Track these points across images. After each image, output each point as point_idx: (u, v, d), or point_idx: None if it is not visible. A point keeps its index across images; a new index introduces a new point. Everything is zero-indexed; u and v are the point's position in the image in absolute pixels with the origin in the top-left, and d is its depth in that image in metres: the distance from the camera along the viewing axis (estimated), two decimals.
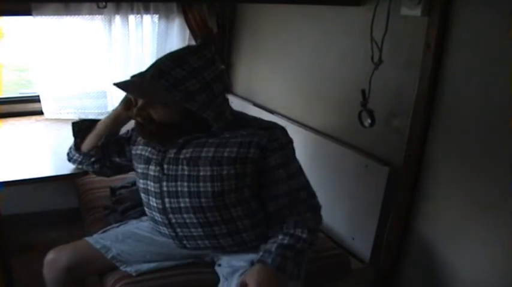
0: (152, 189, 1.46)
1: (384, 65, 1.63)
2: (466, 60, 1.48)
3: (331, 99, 2.09)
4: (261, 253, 1.34)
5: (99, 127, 1.65)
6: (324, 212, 2.06)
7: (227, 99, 1.44)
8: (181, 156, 1.41)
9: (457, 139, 1.54)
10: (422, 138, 1.62)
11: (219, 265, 1.52)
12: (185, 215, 1.42)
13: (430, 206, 1.65)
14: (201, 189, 1.38)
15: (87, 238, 1.58)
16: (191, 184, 1.38)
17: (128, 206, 1.86)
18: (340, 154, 1.97)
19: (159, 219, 1.48)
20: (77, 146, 1.66)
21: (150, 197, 1.48)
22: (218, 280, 1.49)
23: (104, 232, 1.63)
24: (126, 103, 1.60)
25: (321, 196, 2.06)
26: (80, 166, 1.72)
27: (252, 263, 1.38)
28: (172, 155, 1.42)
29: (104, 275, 1.55)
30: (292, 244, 1.34)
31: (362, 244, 1.87)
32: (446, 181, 1.59)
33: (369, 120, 1.70)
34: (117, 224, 1.69)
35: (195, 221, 1.41)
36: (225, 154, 1.36)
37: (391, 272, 1.81)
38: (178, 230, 1.46)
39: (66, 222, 2.55)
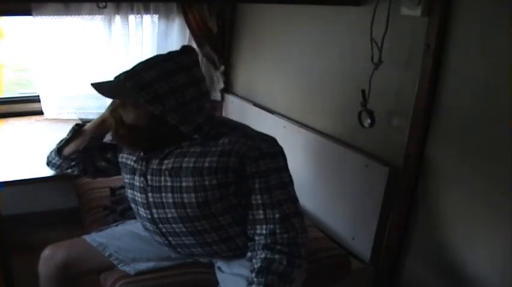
0: (139, 199, 1.44)
1: (384, 65, 1.63)
2: (466, 60, 1.48)
3: (331, 99, 2.09)
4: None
5: (84, 132, 1.59)
6: (324, 212, 2.07)
7: (205, 108, 1.38)
8: (163, 167, 1.38)
9: (457, 139, 1.54)
10: (422, 138, 1.62)
11: (219, 268, 1.52)
12: (174, 225, 1.40)
13: (430, 206, 1.65)
14: (185, 200, 1.35)
15: (84, 236, 1.59)
16: (175, 195, 1.36)
17: (127, 206, 1.86)
18: (340, 154, 1.97)
19: (151, 228, 1.47)
20: (59, 150, 1.59)
21: (139, 207, 1.47)
22: (217, 281, 1.49)
23: (101, 230, 1.63)
24: (113, 108, 1.49)
25: (321, 196, 2.08)
26: (58, 170, 1.64)
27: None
28: (155, 166, 1.39)
29: (101, 274, 1.55)
30: (266, 266, 1.28)
31: (362, 244, 1.87)
32: (446, 181, 1.59)
33: (369, 121, 1.70)
34: (115, 224, 1.70)
35: (184, 230, 1.40)
36: (206, 164, 1.32)
37: (391, 272, 1.81)
38: (170, 238, 1.45)
39: (66, 222, 2.55)
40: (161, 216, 1.41)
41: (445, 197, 1.59)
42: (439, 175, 1.60)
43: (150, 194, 1.40)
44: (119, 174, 1.64)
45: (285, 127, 2.26)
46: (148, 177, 1.40)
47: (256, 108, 2.55)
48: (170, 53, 1.38)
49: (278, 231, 1.31)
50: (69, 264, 1.49)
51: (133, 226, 1.64)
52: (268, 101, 2.55)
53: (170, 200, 1.37)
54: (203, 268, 1.56)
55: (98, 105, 2.82)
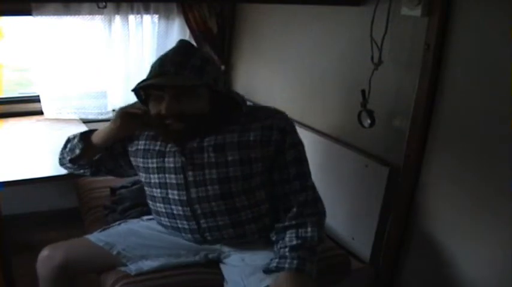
0: (174, 181, 1.45)
1: (384, 65, 1.63)
2: (466, 60, 1.48)
3: (331, 99, 2.09)
4: (276, 260, 1.36)
5: (94, 142, 1.54)
6: None
7: None
8: (205, 144, 1.42)
9: (457, 139, 1.54)
10: (422, 138, 1.62)
11: (225, 264, 1.52)
12: (213, 203, 1.42)
13: (430, 206, 1.65)
14: (231, 174, 1.40)
15: (87, 236, 1.58)
16: (220, 170, 1.40)
17: (127, 206, 1.86)
18: (340, 154, 1.97)
19: (180, 212, 1.47)
20: (73, 160, 1.57)
21: (170, 191, 1.46)
22: (219, 280, 1.49)
23: (103, 230, 1.62)
24: (124, 118, 1.47)
25: (321, 196, 2.07)
26: (70, 171, 1.66)
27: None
28: (195, 145, 1.42)
29: (101, 274, 1.55)
30: (301, 243, 1.36)
31: (362, 244, 1.87)
32: (446, 181, 1.59)
33: (369, 121, 1.70)
34: (117, 223, 1.68)
35: (223, 208, 1.42)
36: (251, 138, 1.40)
37: (391, 272, 1.81)
38: (202, 221, 1.46)
39: (66, 222, 2.54)
40: (201, 195, 1.42)
41: (445, 197, 1.59)
42: (439, 175, 1.60)
43: (190, 173, 1.42)
44: (129, 173, 1.64)
45: None
46: (189, 156, 1.42)
47: None
48: (182, 41, 1.45)
49: (310, 199, 1.43)
50: (69, 265, 1.48)
51: (137, 225, 1.64)
52: (268, 101, 2.54)
53: (214, 176, 1.40)
54: (204, 268, 1.56)
55: (98, 105, 2.83)
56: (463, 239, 1.54)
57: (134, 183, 2.00)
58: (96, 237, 1.56)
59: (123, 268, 1.51)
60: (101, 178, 2.14)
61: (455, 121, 1.53)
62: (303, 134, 2.16)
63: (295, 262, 1.32)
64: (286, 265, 1.32)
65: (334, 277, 1.77)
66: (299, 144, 1.47)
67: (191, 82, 1.36)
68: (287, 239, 1.38)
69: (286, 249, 1.36)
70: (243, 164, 1.40)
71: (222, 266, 1.54)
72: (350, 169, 1.92)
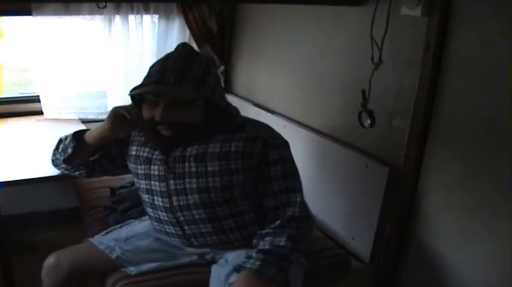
0: (158, 189, 1.46)
1: (384, 65, 1.63)
2: (466, 60, 1.48)
3: (331, 99, 2.09)
4: (243, 260, 1.34)
5: (87, 141, 1.52)
6: (324, 212, 2.07)
7: None
8: (187, 153, 1.42)
9: (457, 139, 1.54)
10: (422, 138, 1.62)
11: (216, 262, 1.52)
12: (194, 212, 1.42)
13: (430, 206, 1.65)
14: (210, 184, 1.39)
15: (90, 239, 1.58)
16: (200, 180, 1.40)
17: (127, 206, 1.87)
18: (340, 154, 1.97)
19: (166, 218, 1.48)
20: (67, 160, 1.55)
21: (155, 197, 1.48)
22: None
23: (107, 233, 1.62)
24: (117, 118, 1.44)
25: (321, 196, 2.08)
26: (66, 172, 1.64)
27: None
28: (178, 154, 1.43)
29: (103, 277, 1.55)
30: (271, 249, 1.33)
31: (362, 244, 1.86)
32: (446, 181, 1.59)
33: (369, 121, 1.70)
34: (118, 225, 1.68)
35: (204, 216, 1.43)
36: (232, 148, 1.39)
37: (391, 272, 1.81)
38: (186, 227, 1.47)
39: (66, 222, 2.55)
40: (182, 203, 1.43)
41: (445, 197, 1.59)
42: (439, 175, 1.60)
43: (171, 181, 1.43)
44: (124, 173, 1.63)
45: (285, 127, 2.25)
46: (171, 165, 1.43)
47: (256, 108, 2.55)
48: (186, 45, 1.45)
49: (297, 215, 1.38)
50: (75, 271, 1.48)
51: (138, 226, 1.64)
52: (268, 101, 2.55)
53: (194, 186, 1.40)
54: (203, 268, 1.56)
55: (98, 105, 2.83)
56: (463, 239, 1.54)
57: (134, 183, 2.00)
58: (98, 240, 1.56)
59: (123, 269, 1.52)
60: (101, 178, 2.14)
61: (455, 121, 1.53)
62: (303, 134, 2.18)
63: (257, 263, 1.29)
64: (248, 265, 1.30)
65: (334, 277, 1.78)
66: (287, 159, 1.44)
67: (190, 95, 1.36)
68: (261, 243, 1.36)
69: (255, 250, 1.34)
70: (222, 175, 1.39)
71: (212, 267, 1.54)
72: (350, 169, 1.92)
